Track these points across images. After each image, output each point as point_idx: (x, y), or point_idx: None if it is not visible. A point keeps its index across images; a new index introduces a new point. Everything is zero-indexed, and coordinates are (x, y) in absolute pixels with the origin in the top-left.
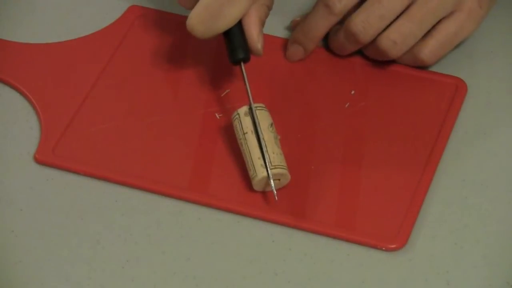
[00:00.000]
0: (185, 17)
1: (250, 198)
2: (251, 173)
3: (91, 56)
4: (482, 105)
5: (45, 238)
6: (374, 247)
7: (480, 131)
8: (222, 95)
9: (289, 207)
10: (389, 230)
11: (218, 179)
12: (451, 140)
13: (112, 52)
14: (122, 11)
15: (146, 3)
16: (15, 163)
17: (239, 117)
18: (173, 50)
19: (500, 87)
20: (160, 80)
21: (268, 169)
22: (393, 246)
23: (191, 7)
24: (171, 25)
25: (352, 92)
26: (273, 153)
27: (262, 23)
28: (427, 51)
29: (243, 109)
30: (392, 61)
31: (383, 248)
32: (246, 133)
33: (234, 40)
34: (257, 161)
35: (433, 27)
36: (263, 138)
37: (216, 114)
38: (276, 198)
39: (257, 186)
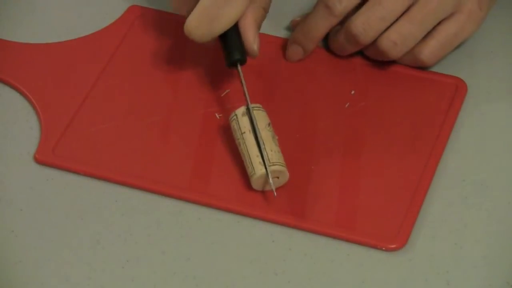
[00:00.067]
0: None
1: (250, 198)
2: (249, 171)
3: (91, 56)
4: (482, 105)
5: (45, 238)
6: (374, 247)
7: (480, 131)
8: (222, 95)
9: (289, 207)
10: (389, 230)
11: (218, 179)
12: (451, 140)
13: (112, 52)
14: (122, 11)
15: (146, 3)
16: (15, 163)
17: (237, 117)
18: (173, 50)
19: (500, 87)
20: (160, 80)
21: (267, 165)
22: (393, 246)
23: (187, 13)
24: (171, 25)
25: (352, 92)
26: (271, 150)
27: (258, 25)
28: (427, 52)
29: (241, 110)
30: (392, 61)
31: (383, 248)
32: (244, 132)
33: (230, 43)
34: (256, 159)
35: (433, 28)
36: (261, 137)
37: (216, 114)
38: (275, 194)
39: (256, 184)
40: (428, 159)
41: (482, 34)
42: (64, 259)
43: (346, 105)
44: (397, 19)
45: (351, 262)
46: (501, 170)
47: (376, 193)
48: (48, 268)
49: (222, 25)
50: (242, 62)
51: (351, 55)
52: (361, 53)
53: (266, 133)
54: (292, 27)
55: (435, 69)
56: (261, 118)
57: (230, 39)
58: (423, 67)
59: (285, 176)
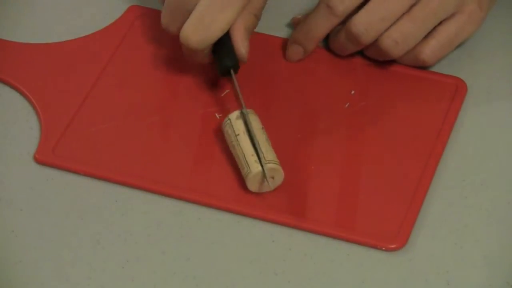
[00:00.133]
0: None
1: (250, 198)
2: (244, 171)
3: (91, 56)
4: (482, 105)
5: (45, 238)
6: (374, 247)
7: (480, 131)
8: (222, 95)
9: (289, 207)
10: (389, 230)
11: (218, 179)
12: (451, 140)
13: (112, 52)
14: (122, 11)
15: (146, 3)
16: (15, 163)
17: (231, 121)
18: (173, 50)
19: (500, 87)
20: (160, 80)
21: (263, 163)
22: (393, 246)
23: (176, 30)
24: None
25: (352, 92)
26: (266, 151)
27: (248, 31)
28: (428, 52)
29: (234, 114)
30: (393, 61)
31: (383, 248)
32: (238, 134)
33: (221, 51)
34: (251, 158)
35: (434, 28)
36: (256, 137)
37: (216, 114)
38: (272, 187)
39: (251, 183)
40: (428, 159)
41: (482, 34)
42: (64, 259)
43: (346, 105)
44: (398, 19)
45: (351, 262)
46: (501, 170)
47: (376, 193)
48: (48, 268)
49: (217, 31)
50: (235, 68)
51: (351, 55)
52: (361, 53)
53: (260, 135)
54: (293, 25)
55: (435, 69)
56: (255, 121)
57: (222, 47)
58: (423, 67)
59: (281, 176)
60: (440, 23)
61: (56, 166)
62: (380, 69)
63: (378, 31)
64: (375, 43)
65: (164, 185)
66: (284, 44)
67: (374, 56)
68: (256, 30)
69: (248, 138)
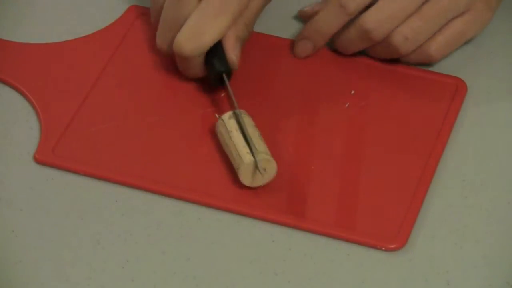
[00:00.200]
0: None
1: (250, 198)
2: (237, 164)
3: (91, 56)
4: (482, 105)
5: (45, 238)
6: (374, 247)
7: (480, 131)
8: (222, 95)
9: (289, 207)
10: (389, 230)
11: (218, 179)
12: (451, 140)
13: (112, 52)
14: (122, 11)
15: (146, 3)
16: (15, 163)
17: (224, 121)
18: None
19: (500, 87)
20: (160, 80)
21: (254, 151)
22: (393, 246)
23: (168, 50)
24: None
25: (352, 92)
26: (259, 145)
27: (240, 40)
28: (435, 47)
29: (227, 114)
30: (393, 61)
31: (383, 248)
32: (231, 131)
33: (214, 58)
34: (243, 150)
35: None
36: (248, 133)
37: (216, 114)
38: (264, 179)
39: (244, 175)
40: (428, 159)
41: (483, 34)
42: (64, 259)
43: (346, 105)
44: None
45: (351, 262)
46: (501, 170)
47: (376, 193)
48: (48, 268)
49: (209, 39)
50: (227, 74)
51: (352, 55)
52: (362, 53)
53: (253, 131)
54: (300, 17)
55: (435, 69)
56: (248, 119)
57: (214, 55)
58: (428, 63)
59: (273, 168)
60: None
61: (56, 166)
62: (380, 69)
63: (389, 28)
64: (384, 40)
65: (164, 185)
66: (284, 44)
67: (380, 54)
68: (256, 30)
69: (241, 134)
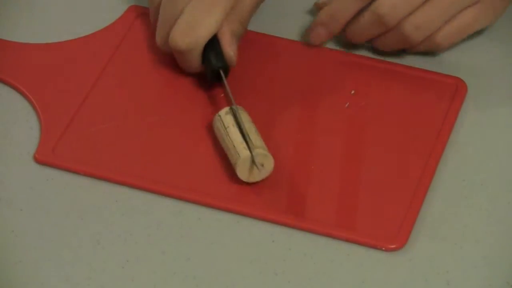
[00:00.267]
0: None
1: (250, 198)
2: (234, 159)
3: (91, 56)
4: (482, 105)
5: (45, 238)
6: (374, 247)
7: (480, 131)
8: (221, 95)
9: (289, 207)
10: (389, 230)
11: (218, 179)
12: (451, 140)
13: (112, 52)
14: (122, 11)
15: (146, 3)
16: (15, 163)
17: (221, 117)
18: None
19: (500, 87)
20: (160, 80)
21: (251, 146)
22: (393, 246)
23: (167, 47)
24: None
25: (352, 92)
26: (255, 139)
27: (235, 36)
28: (443, 35)
29: (224, 110)
30: (395, 58)
31: (383, 248)
32: (228, 127)
33: (210, 55)
34: (240, 145)
35: None
36: (245, 128)
37: (216, 114)
38: (259, 168)
39: (241, 171)
40: (428, 159)
41: (483, 34)
42: (64, 259)
43: (346, 105)
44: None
45: (351, 262)
46: (501, 170)
47: (376, 193)
48: (48, 268)
49: (203, 32)
50: (224, 70)
51: (352, 55)
52: (361, 52)
53: (250, 127)
54: (317, 9)
55: (435, 69)
56: (244, 115)
57: (211, 52)
58: (435, 52)
59: (270, 163)
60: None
61: (56, 166)
62: (380, 69)
63: (403, 13)
64: (395, 28)
65: (164, 185)
66: (284, 44)
67: (388, 45)
68: (256, 30)
69: (238, 130)
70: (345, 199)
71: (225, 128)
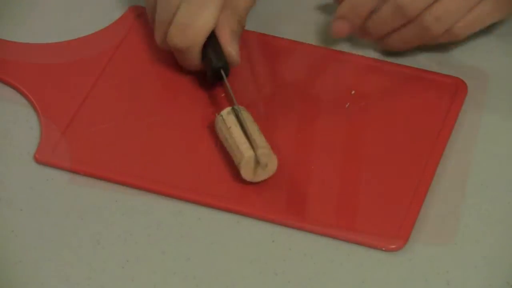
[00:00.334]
0: None
1: (250, 198)
2: (237, 159)
3: (91, 56)
4: (482, 105)
5: (45, 238)
6: (374, 247)
7: (480, 131)
8: (222, 95)
9: (289, 207)
10: (389, 230)
11: (218, 179)
12: (451, 140)
13: (112, 52)
14: (122, 11)
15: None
16: (15, 163)
17: (222, 117)
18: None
19: (500, 87)
20: (160, 80)
21: (254, 145)
22: (393, 246)
23: (163, 43)
24: None
25: (352, 92)
26: (259, 139)
27: (235, 34)
28: (462, 26)
29: (226, 110)
30: (393, 60)
31: (383, 248)
32: (230, 127)
33: (210, 55)
34: (243, 145)
35: None
36: (248, 127)
37: (216, 114)
38: (263, 167)
39: (245, 171)
40: (428, 159)
41: (482, 34)
42: (64, 259)
43: (346, 105)
44: None
45: (351, 262)
46: (501, 170)
47: (376, 193)
48: (48, 268)
49: (201, 28)
50: (225, 70)
51: (352, 55)
52: (361, 52)
53: (252, 126)
54: (336, 2)
55: (435, 69)
56: (247, 115)
57: (211, 52)
58: (453, 42)
59: (274, 163)
60: None
61: (56, 166)
62: (380, 69)
63: (423, 4)
64: (415, 20)
65: (164, 185)
66: (284, 44)
67: (407, 40)
68: (255, 30)
69: (240, 129)
70: (345, 199)
71: (228, 129)
